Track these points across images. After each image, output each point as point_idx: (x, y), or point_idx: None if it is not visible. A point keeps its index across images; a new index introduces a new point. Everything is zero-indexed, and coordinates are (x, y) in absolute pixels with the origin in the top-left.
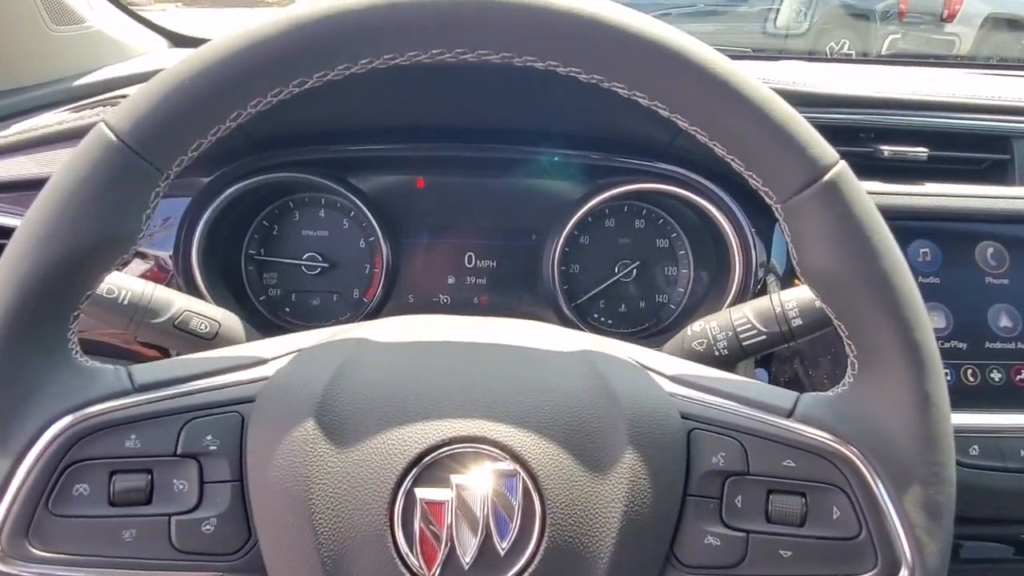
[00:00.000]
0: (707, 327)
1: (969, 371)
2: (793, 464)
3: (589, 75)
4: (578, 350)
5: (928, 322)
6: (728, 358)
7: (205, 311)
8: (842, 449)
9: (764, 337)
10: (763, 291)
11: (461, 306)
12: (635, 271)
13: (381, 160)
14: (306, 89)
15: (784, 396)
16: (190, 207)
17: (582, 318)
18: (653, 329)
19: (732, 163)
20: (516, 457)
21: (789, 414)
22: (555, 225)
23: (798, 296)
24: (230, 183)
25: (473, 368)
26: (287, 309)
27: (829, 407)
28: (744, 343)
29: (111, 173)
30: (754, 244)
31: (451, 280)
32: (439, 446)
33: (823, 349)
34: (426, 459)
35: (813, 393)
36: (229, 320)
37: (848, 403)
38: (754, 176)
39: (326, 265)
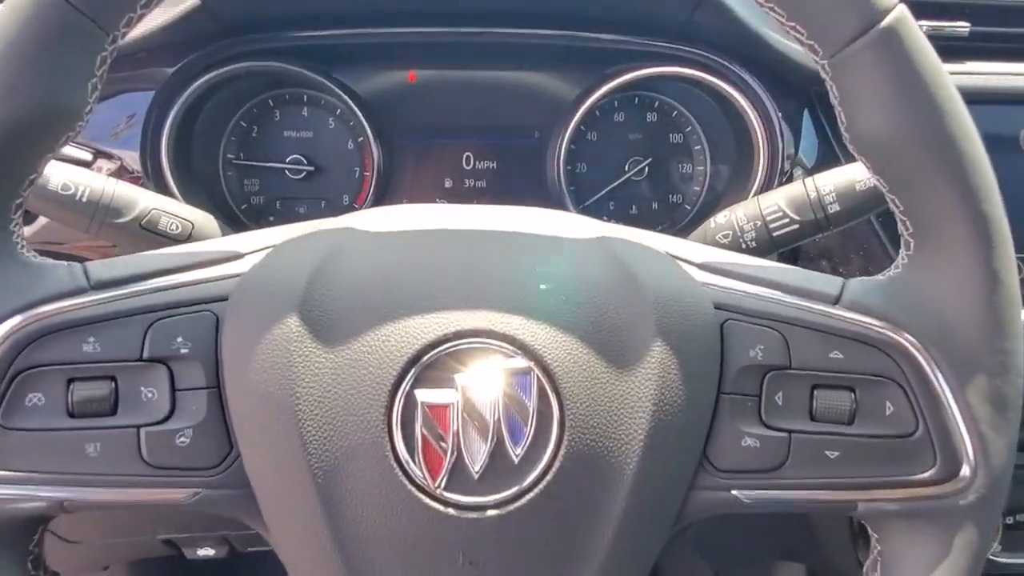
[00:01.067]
0: (733, 217)
1: None
2: (841, 356)
3: None
4: (594, 236)
5: (998, 192)
6: (756, 251)
7: (176, 210)
8: (896, 337)
9: (797, 226)
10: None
11: None
12: (647, 169)
13: (368, 49)
14: None
15: (829, 281)
16: (156, 100)
17: None
18: (668, 231)
19: (772, 14)
20: (530, 352)
21: (835, 301)
22: (559, 121)
23: (834, 180)
24: (200, 73)
25: (477, 255)
26: (271, 218)
27: (881, 291)
28: (774, 234)
29: (46, 32)
30: (781, 133)
31: (448, 183)
32: (441, 342)
33: (855, 245)
34: (426, 357)
35: (861, 278)
36: (203, 220)
37: (902, 286)
38: (797, 27)
39: (312, 169)
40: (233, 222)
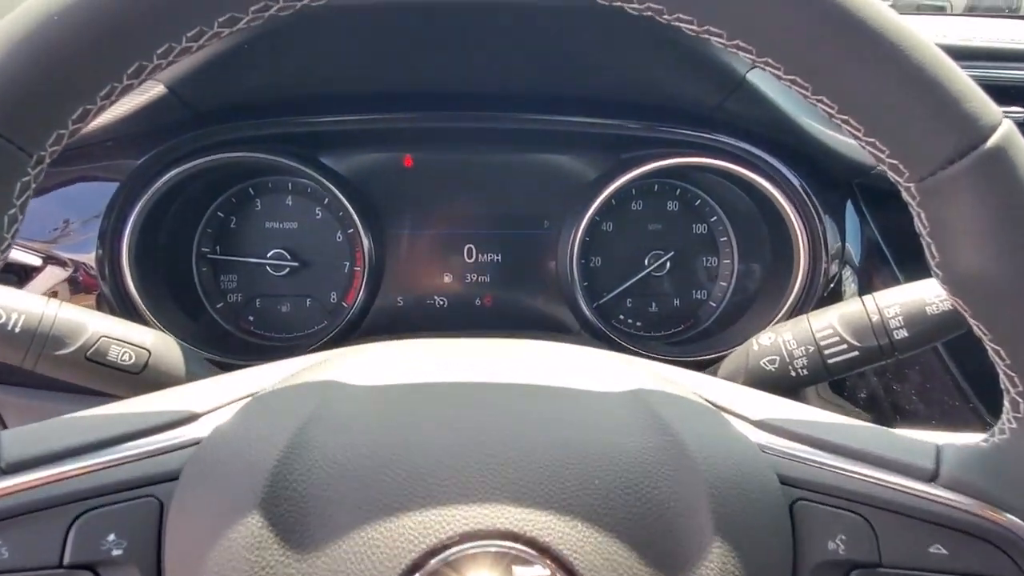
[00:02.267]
0: (780, 340)
1: None
2: (944, 551)
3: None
4: (629, 389)
5: None
6: (807, 379)
7: (129, 335)
8: (1011, 528)
9: (856, 354)
10: (837, 289)
11: (460, 308)
12: (668, 263)
13: (359, 135)
14: (242, 29)
15: (920, 450)
16: (118, 195)
17: (605, 320)
18: (690, 331)
19: (846, 127)
20: (556, 558)
21: (932, 477)
22: (572, 210)
23: (900, 300)
24: (169, 166)
25: (487, 424)
26: (251, 318)
27: (986, 464)
28: (829, 361)
29: None
30: (823, 229)
31: (447, 278)
32: (444, 547)
33: (910, 359)
34: (427, 566)
35: (959, 444)
36: (161, 346)
37: (1012, 457)
38: (877, 144)
39: (296, 264)
40: (206, 324)
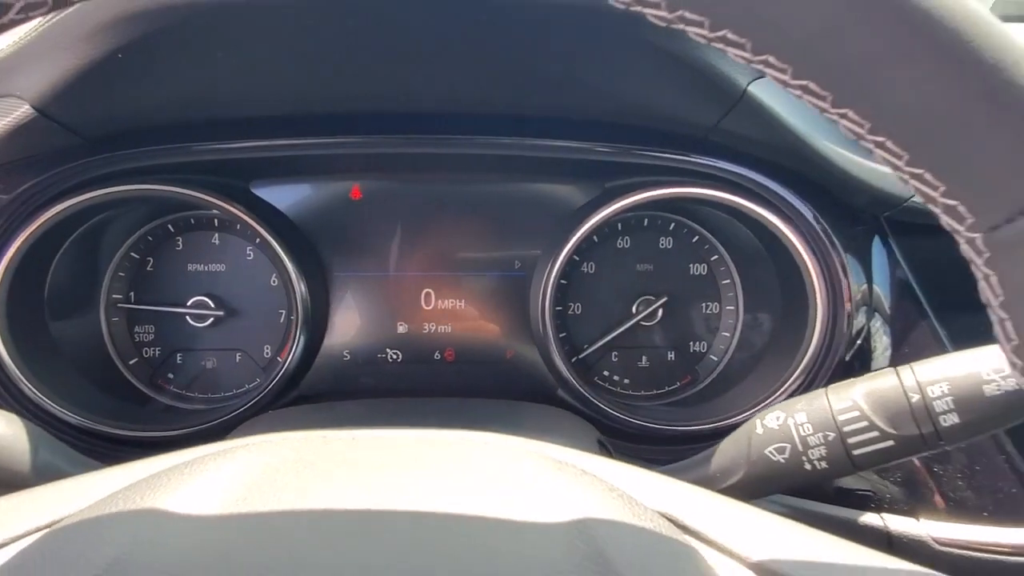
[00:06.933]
0: (791, 423)
1: None
2: None
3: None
4: (572, 520)
5: None
6: (824, 474)
7: None
8: None
9: (890, 444)
10: (865, 347)
11: (417, 364)
12: (661, 311)
13: (297, 162)
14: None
15: None
16: None
17: (585, 378)
18: (687, 391)
19: (880, 152)
20: None
21: None
22: (547, 249)
23: (948, 374)
24: (53, 200)
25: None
26: (170, 375)
27: None
28: (855, 452)
29: None
30: (843, 270)
31: (402, 328)
32: None
33: None
34: None
35: None
36: (6, 433)
37: None
38: (927, 177)
39: (221, 313)
40: (116, 383)
